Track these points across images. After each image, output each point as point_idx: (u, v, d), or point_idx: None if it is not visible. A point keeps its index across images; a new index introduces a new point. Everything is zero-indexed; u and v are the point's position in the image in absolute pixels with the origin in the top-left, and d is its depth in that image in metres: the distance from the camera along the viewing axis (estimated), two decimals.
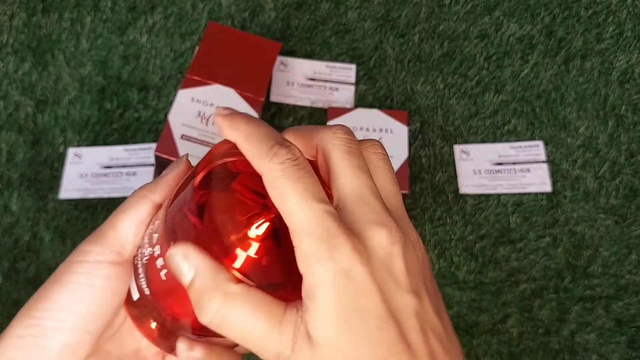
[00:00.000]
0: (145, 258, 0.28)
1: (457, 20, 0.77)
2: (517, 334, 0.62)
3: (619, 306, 0.63)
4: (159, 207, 0.30)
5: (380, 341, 0.24)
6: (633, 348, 0.62)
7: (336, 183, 0.26)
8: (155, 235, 0.27)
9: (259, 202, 0.26)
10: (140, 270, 0.29)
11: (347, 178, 0.25)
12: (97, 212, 0.66)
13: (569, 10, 0.78)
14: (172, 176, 0.30)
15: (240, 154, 0.26)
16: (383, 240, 0.24)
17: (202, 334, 0.28)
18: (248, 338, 0.25)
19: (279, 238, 0.25)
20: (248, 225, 0.25)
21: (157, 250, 0.27)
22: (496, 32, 0.77)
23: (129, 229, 0.29)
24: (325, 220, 0.24)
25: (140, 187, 0.30)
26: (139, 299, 0.29)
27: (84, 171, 0.67)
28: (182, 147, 0.62)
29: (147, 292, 0.28)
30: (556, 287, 0.64)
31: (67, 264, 0.29)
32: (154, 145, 0.68)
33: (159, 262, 0.27)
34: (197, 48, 0.70)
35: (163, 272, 0.27)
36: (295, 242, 0.24)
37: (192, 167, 0.30)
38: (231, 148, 0.27)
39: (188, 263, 0.25)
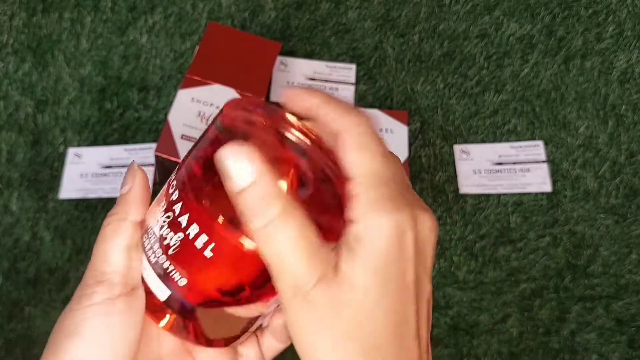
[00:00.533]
0: (174, 248, 0.27)
1: (457, 20, 0.77)
2: (517, 334, 0.62)
3: (619, 306, 0.63)
4: (141, 224, 0.29)
5: (402, 304, 0.25)
6: (633, 348, 0.62)
7: (375, 161, 0.26)
8: (184, 218, 0.27)
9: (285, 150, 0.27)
10: (166, 265, 0.28)
11: (388, 162, 0.26)
12: (97, 212, 0.66)
13: (569, 10, 0.78)
14: (138, 190, 0.29)
15: (252, 111, 0.27)
16: (427, 223, 0.26)
17: (232, 302, 0.28)
18: (280, 260, 0.24)
19: (312, 186, 0.26)
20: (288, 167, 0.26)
21: (193, 230, 0.26)
22: (496, 31, 0.77)
23: (122, 257, 0.28)
24: (395, 181, 0.25)
25: (113, 212, 0.29)
26: (169, 295, 0.28)
27: (84, 171, 0.67)
28: (182, 147, 0.62)
29: (183, 282, 0.28)
30: (556, 287, 0.64)
31: (75, 312, 0.28)
32: (154, 145, 0.68)
33: (202, 239, 0.26)
34: (197, 48, 0.70)
35: (210, 248, 0.26)
36: (357, 189, 0.25)
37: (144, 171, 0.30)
38: (243, 106, 0.27)
39: (251, 166, 0.24)
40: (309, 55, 0.75)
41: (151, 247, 0.29)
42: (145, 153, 0.68)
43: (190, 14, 0.76)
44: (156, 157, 0.62)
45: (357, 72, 0.74)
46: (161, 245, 0.28)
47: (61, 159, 0.68)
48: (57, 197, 0.66)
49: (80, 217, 0.65)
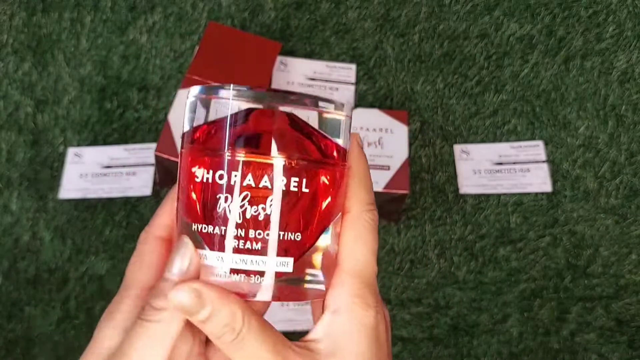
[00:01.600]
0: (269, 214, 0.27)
1: (457, 20, 0.77)
2: (517, 334, 0.62)
3: (619, 306, 0.63)
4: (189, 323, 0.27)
5: None
6: (633, 348, 0.62)
7: (367, 256, 0.29)
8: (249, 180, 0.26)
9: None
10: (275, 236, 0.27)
11: (374, 258, 0.29)
12: (97, 212, 0.66)
13: (569, 10, 0.78)
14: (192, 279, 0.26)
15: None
16: (386, 312, 0.30)
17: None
18: None
19: None
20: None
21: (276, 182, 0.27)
22: (496, 31, 0.77)
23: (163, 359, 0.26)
24: (374, 277, 0.29)
25: (163, 306, 0.26)
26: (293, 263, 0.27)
27: (84, 171, 0.67)
28: None
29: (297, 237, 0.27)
30: (556, 287, 0.64)
31: None
32: (154, 145, 0.68)
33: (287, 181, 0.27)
34: (197, 48, 0.70)
35: (294, 183, 0.27)
36: (343, 279, 0.28)
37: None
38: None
39: (207, 305, 0.26)
40: (309, 55, 0.75)
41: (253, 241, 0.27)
42: (145, 153, 0.68)
43: (190, 13, 0.76)
44: (156, 157, 0.62)
45: (357, 72, 0.74)
46: (265, 225, 0.26)
47: (61, 158, 0.68)
48: (57, 197, 0.66)
49: (80, 217, 0.65)
